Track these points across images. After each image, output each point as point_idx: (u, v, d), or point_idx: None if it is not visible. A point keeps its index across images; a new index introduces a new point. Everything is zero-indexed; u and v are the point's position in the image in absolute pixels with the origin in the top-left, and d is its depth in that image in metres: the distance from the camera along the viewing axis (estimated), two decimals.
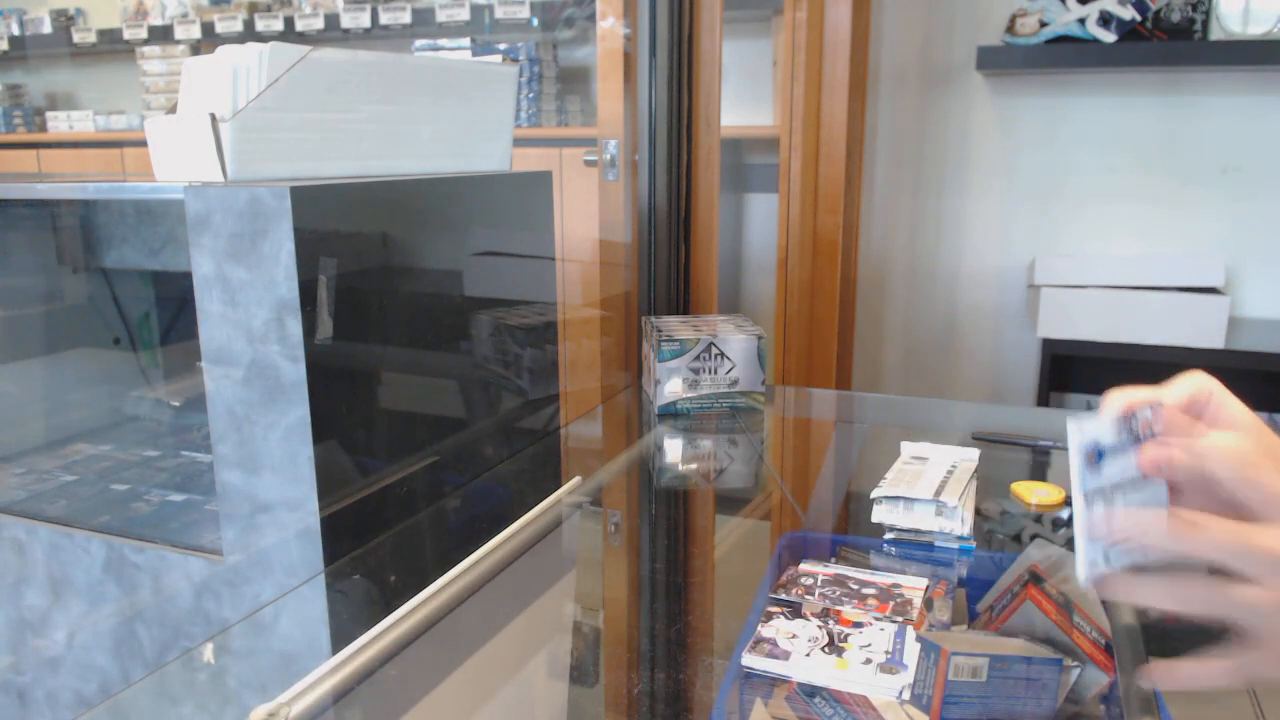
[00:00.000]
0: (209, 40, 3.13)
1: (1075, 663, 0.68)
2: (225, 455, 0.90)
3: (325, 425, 0.86)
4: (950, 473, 1.00)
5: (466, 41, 2.71)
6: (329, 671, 0.71)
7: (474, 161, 1.17)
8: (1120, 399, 0.51)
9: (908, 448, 1.06)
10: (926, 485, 0.95)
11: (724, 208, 2.51)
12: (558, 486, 1.09)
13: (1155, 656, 0.68)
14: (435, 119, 1.09)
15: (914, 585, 0.81)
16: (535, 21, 2.67)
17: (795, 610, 0.76)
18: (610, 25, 1.62)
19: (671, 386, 1.33)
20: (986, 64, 2.15)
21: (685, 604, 0.86)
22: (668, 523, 1.10)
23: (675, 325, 1.42)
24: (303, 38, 2.95)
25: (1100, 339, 2.06)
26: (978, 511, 0.96)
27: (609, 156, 1.66)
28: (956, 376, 2.48)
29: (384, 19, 2.81)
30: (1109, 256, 2.22)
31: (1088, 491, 0.51)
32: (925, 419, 1.52)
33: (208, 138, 0.88)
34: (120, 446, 1.29)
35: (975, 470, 1.02)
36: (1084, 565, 0.51)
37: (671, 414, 1.34)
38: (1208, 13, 2.03)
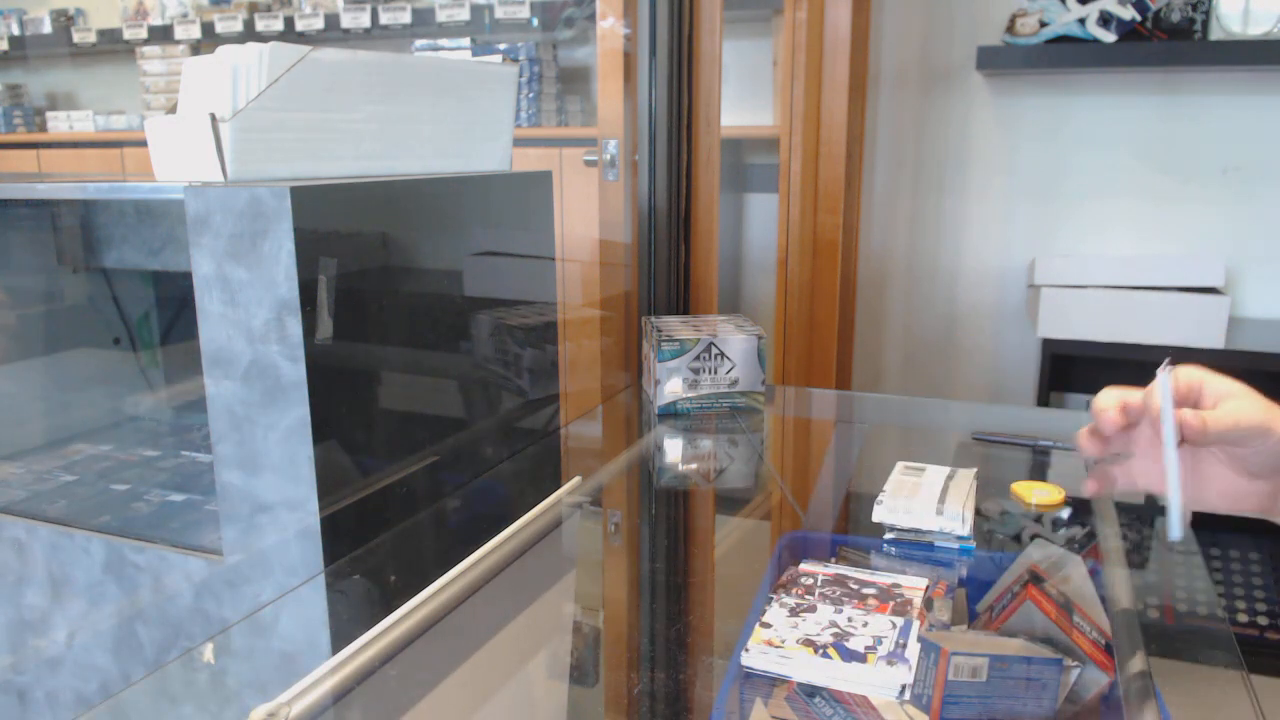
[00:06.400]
0: (209, 40, 3.13)
1: (1075, 663, 0.68)
2: (225, 455, 0.90)
3: (325, 425, 0.86)
4: (950, 478, 1.00)
5: (466, 41, 2.71)
6: (329, 671, 0.71)
7: (474, 161, 1.17)
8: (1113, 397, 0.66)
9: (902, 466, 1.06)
10: (927, 494, 0.96)
11: (724, 208, 2.50)
12: (558, 486, 1.08)
13: (1155, 657, 0.68)
14: (435, 119, 1.09)
15: (914, 585, 0.81)
16: (535, 21, 2.66)
17: (795, 610, 0.76)
18: (610, 25, 1.62)
19: (671, 386, 1.33)
20: (986, 64, 2.15)
21: (685, 604, 0.86)
22: (668, 523, 1.10)
23: (675, 325, 1.42)
24: (303, 38, 2.95)
25: (1100, 339, 2.06)
26: (978, 511, 0.96)
27: (609, 156, 1.66)
28: (956, 376, 2.48)
29: (384, 19, 2.81)
30: (1109, 256, 2.22)
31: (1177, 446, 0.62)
32: (925, 419, 1.52)
33: (208, 138, 0.88)
34: (120, 446, 1.29)
35: (975, 473, 1.02)
36: (1178, 524, 0.62)
37: (671, 414, 1.34)
38: (1208, 13, 2.02)
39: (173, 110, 0.93)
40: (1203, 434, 0.62)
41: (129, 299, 1.47)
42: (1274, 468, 0.64)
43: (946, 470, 1.02)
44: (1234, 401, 0.64)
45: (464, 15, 2.72)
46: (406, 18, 2.79)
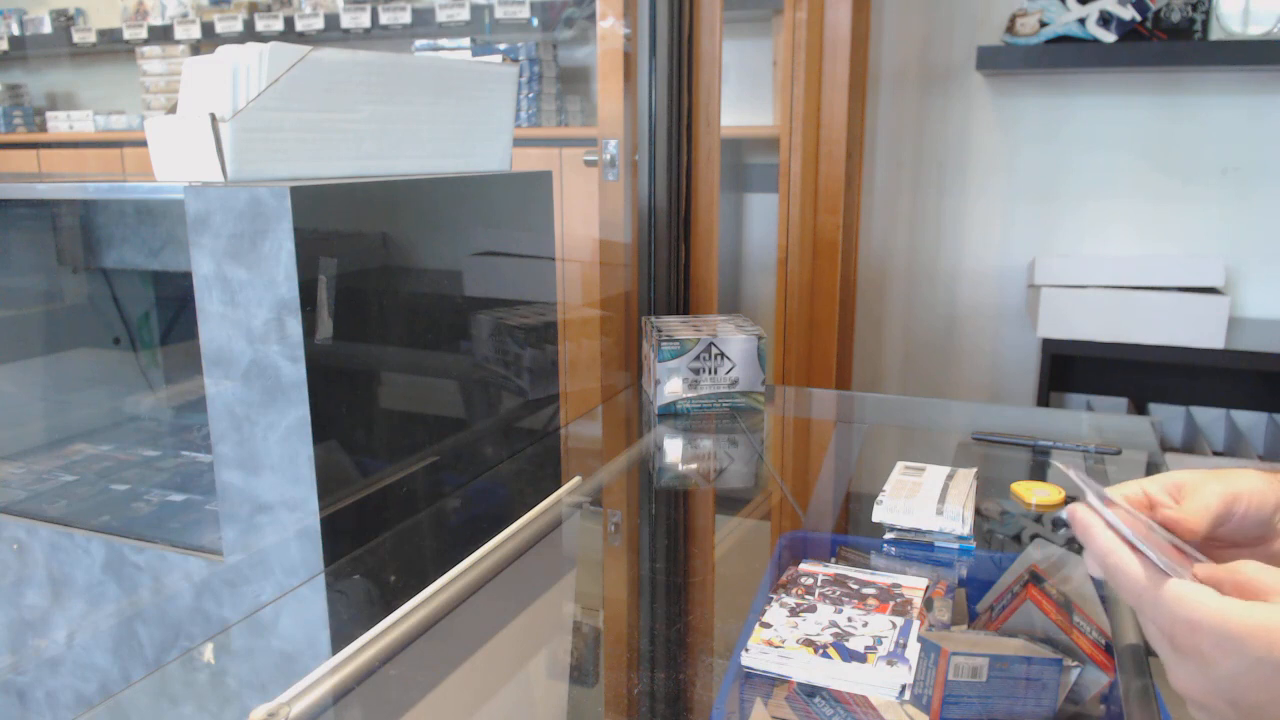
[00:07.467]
0: (209, 40, 3.13)
1: (1075, 663, 0.68)
2: (225, 455, 0.90)
3: (325, 425, 0.86)
4: (950, 478, 1.00)
5: (466, 41, 2.71)
6: (329, 671, 0.71)
7: (474, 161, 1.17)
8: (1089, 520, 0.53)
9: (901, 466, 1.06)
10: (927, 494, 0.95)
11: (724, 208, 2.51)
12: (558, 486, 1.08)
13: (1155, 656, 0.68)
14: (435, 119, 1.09)
15: (914, 585, 0.81)
16: (535, 21, 2.66)
17: (795, 610, 0.76)
18: (610, 25, 1.62)
19: (671, 386, 1.33)
20: (986, 64, 2.15)
21: (685, 604, 0.86)
22: (668, 523, 1.10)
23: (675, 325, 1.42)
24: (303, 38, 2.95)
25: (1100, 339, 2.06)
26: (978, 511, 0.96)
27: (609, 156, 1.66)
28: (956, 376, 2.48)
29: (384, 19, 2.81)
30: (1109, 257, 2.22)
31: None
32: (925, 419, 1.52)
33: (208, 138, 0.88)
34: (120, 446, 1.29)
35: (975, 473, 1.02)
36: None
37: (671, 414, 1.34)
38: (1208, 13, 2.03)
39: (173, 110, 0.93)
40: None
41: (129, 299, 1.47)
42: (1254, 537, 0.56)
43: (946, 470, 1.02)
44: (1202, 487, 0.55)
45: (464, 15, 2.72)
46: (406, 18, 2.79)
